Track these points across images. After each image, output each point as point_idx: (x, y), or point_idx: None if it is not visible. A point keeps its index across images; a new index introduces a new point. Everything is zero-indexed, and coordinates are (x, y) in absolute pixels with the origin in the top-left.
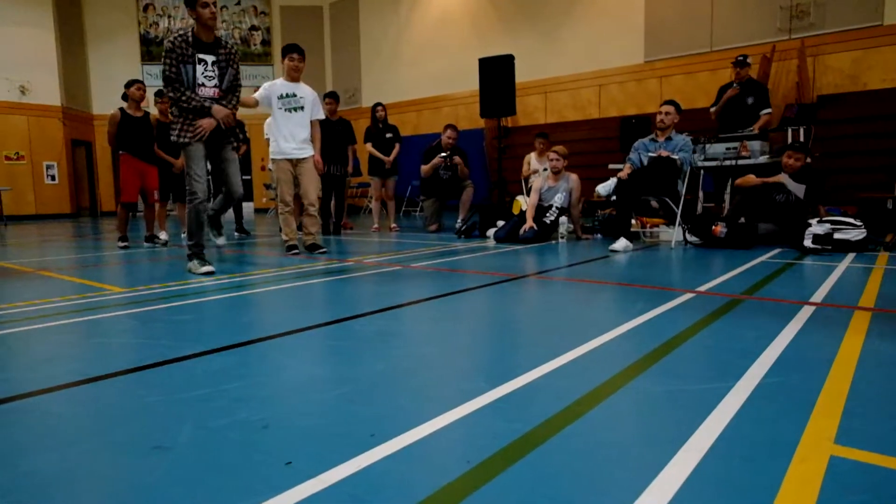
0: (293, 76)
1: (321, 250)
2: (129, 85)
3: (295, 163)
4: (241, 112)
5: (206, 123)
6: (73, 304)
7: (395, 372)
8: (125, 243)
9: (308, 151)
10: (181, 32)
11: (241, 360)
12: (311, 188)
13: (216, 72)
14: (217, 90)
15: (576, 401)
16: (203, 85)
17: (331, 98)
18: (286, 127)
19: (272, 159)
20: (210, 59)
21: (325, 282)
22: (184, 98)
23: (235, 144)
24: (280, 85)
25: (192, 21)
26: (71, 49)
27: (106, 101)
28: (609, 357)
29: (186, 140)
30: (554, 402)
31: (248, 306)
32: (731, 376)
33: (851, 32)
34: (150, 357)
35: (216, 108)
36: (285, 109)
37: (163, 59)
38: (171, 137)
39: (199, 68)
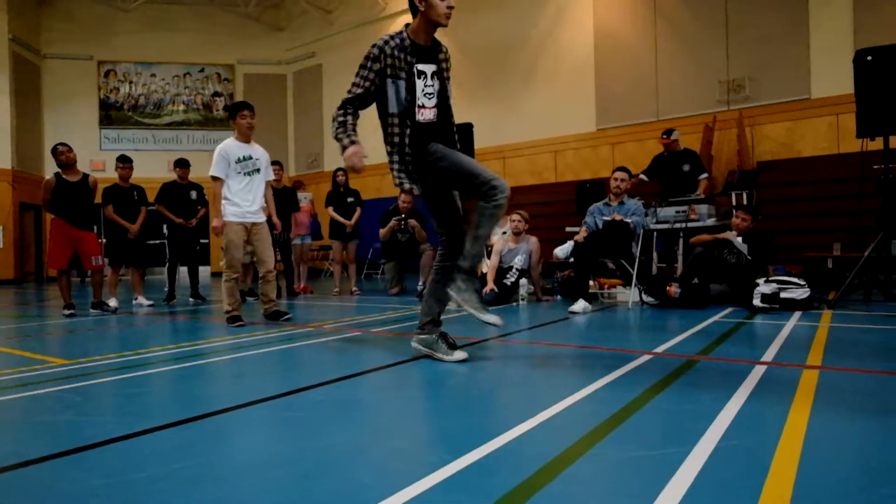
0: (247, 135)
1: (286, 316)
2: (53, 150)
3: (250, 227)
4: (197, 174)
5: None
6: (9, 379)
7: (355, 445)
8: (71, 311)
9: (263, 216)
10: (395, 34)
11: (192, 437)
12: (269, 254)
13: (436, 87)
14: (436, 111)
15: (538, 470)
16: (423, 106)
17: (277, 165)
18: (245, 189)
19: (226, 222)
20: (430, 69)
21: (282, 349)
22: (341, 121)
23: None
24: (235, 147)
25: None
26: (26, 113)
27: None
28: (570, 423)
29: (408, 186)
30: (516, 473)
31: (202, 378)
32: (688, 440)
33: (783, 105)
34: (95, 436)
35: (351, 150)
36: (244, 173)
37: (359, 70)
38: (395, 183)
39: (419, 83)
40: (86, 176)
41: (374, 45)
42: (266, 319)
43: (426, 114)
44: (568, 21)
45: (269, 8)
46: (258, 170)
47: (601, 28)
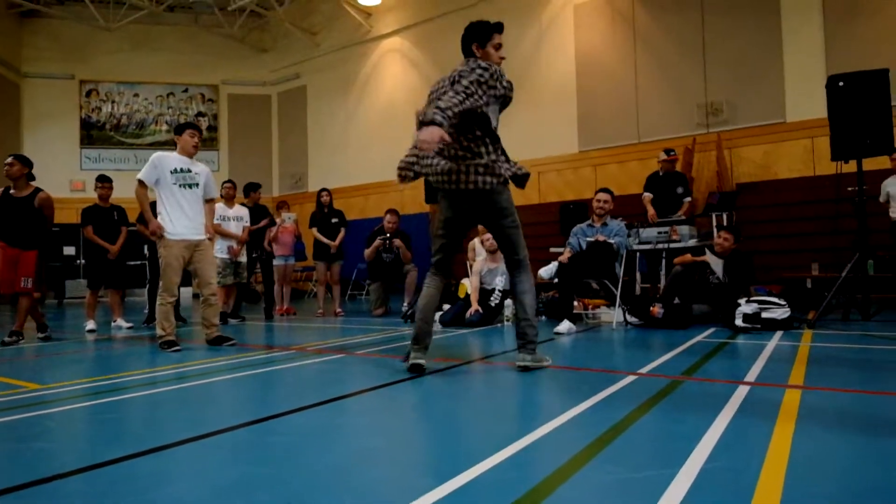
0: (191, 153)
1: (230, 342)
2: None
3: (192, 246)
4: None
5: None
6: None
7: (338, 470)
8: (44, 333)
9: (203, 234)
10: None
11: (170, 463)
12: (212, 275)
13: None
14: None
15: (524, 495)
16: None
17: (258, 188)
18: (182, 204)
19: (166, 237)
20: None
21: (264, 372)
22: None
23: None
24: (174, 158)
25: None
26: (4, 132)
27: (39, 185)
28: (557, 445)
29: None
30: (503, 496)
31: (181, 402)
32: (675, 462)
33: (760, 128)
34: (69, 463)
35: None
36: (179, 185)
37: (497, 81)
38: (506, 171)
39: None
40: (35, 192)
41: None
42: (208, 345)
43: None
44: (550, 45)
45: (253, 29)
46: (196, 184)
47: (582, 52)
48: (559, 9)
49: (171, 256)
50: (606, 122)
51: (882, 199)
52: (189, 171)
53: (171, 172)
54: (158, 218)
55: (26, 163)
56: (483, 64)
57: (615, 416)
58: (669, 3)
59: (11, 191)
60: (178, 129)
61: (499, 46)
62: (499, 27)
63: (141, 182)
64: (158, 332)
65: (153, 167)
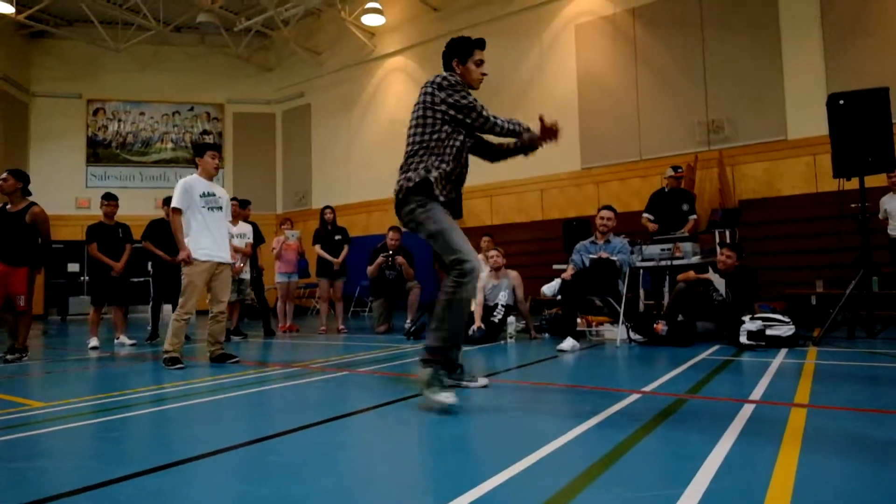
0: (212, 174)
1: (234, 359)
2: None
3: (215, 266)
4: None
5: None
6: None
7: (340, 490)
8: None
9: (229, 257)
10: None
11: (174, 482)
12: (226, 295)
13: None
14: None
15: None
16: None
17: (248, 205)
18: (210, 227)
19: (194, 259)
20: None
21: (267, 390)
22: (499, 123)
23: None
24: (199, 182)
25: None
26: (12, 150)
27: (44, 202)
28: (560, 466)
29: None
30: None
31: (185, 419)
32: (679, 483)
33: (761, 145)
34: (72, 482)
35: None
36: (208, 208)
37: (457, 90)
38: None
39: None
40: (28, 207)
41: (452, 77)
42: (211, 363)
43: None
44: (552, 64)
45: (259, 49)
46: (220, 207)
47: (584, 71)
48: (560, 28)
49: (195, 275)
50: (608, 139)
51: (881, 216)
52: (213, 194)
53: (200, 196)
54: (187, 239)
55: (20, 177)
56: (451, 79)
57: (619, 436)
58: (670, 21)
59: (8, 206)
60: (199, 151)
61: (480, 63)
62: (480, 43)
63: (177, 210)
64: (166, 346)
65: (185, 193)
